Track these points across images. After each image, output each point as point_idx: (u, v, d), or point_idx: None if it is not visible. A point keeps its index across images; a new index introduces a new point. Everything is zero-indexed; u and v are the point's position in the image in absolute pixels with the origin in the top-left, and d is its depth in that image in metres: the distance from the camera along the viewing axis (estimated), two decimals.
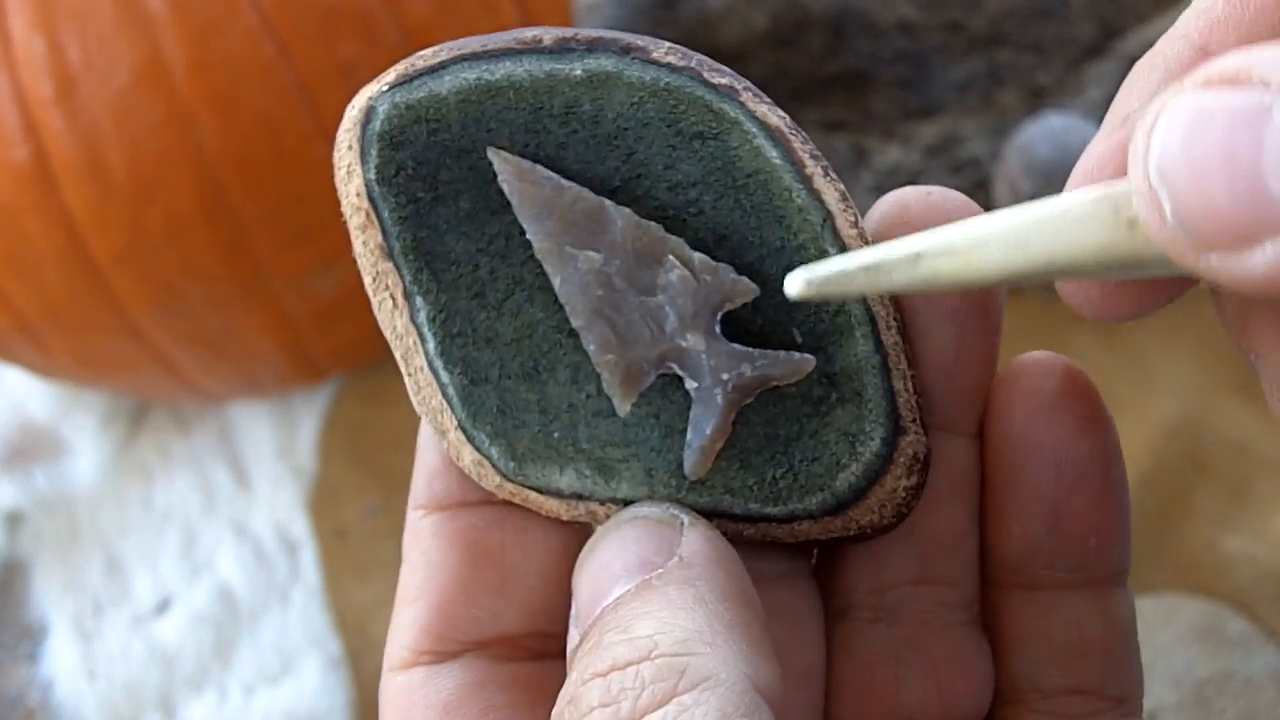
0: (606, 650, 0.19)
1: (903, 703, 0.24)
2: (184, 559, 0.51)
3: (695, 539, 0.21)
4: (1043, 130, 0.50)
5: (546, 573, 0.24)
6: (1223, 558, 0.44)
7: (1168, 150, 0.16)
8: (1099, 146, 0.21)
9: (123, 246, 0.42)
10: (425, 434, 0.24)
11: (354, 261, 0.22)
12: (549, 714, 0.22)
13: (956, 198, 0.24)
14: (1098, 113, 0.52)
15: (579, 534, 0.23)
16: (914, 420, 0.23)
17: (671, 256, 0.22)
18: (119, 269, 0.43)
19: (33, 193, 0.41)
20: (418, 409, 0.23)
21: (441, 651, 0.23)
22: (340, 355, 0.50)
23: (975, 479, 0.25)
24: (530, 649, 0.24)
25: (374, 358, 0.52)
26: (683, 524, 0.22)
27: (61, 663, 0.49)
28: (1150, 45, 0.21)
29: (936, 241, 0.19)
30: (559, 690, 0.23)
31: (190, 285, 0.43)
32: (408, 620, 0.24)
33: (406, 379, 0.23)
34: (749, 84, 0.23)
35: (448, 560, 0.24)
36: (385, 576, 0.49)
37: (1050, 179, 0.48)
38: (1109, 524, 0.25)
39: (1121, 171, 0.20)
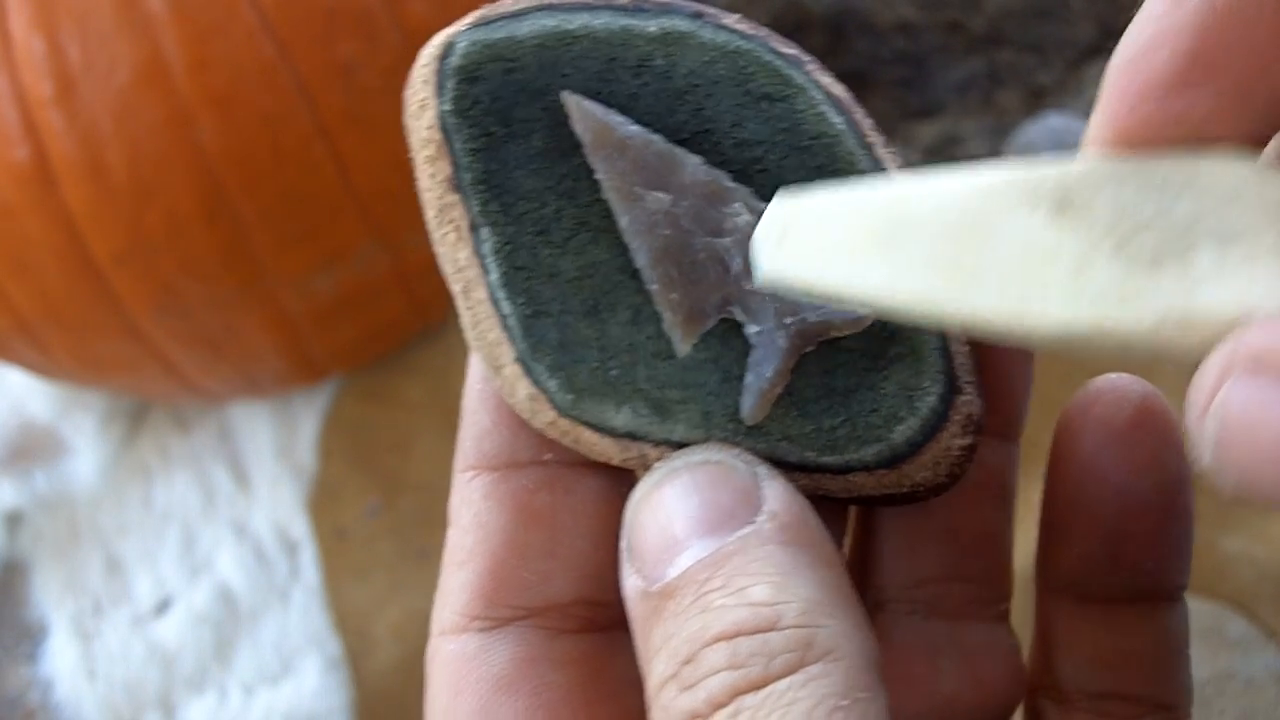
0: (723, 612, 0.19)
1: (941, 690, 0.24)
2: (184, 559, 0.51)
3: (779, 492, 0.21)
4: (1043, 130, 0.50)
5: (596, 536, 0.23)
6: (1223, 558, 0.44)
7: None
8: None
9: (123, 246, 0.42)
10: (471, 397, 0.24)
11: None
12: (602, 694, 0.23)
13: None
14: None
15: (624, 498, 0.22)
16: (969, 382, 0.23)
17: (739, 203, 0.22)
18: (119, 269, 0.43)
19: (33, 193, 0.41)
20: (472, 344, 0.23)
21: (493, 617, 0.23)
22: (340, 355, 0.50)
23: (1009, 482, 0.25)
24: (581, 618, 0.23)
25: (374, 358, 0.52)
26: (757, 474, 0.21)
27: (61, 663, 0.49)
28: None
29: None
30: (612, 665, 0.23)
31: (190, 285, 0.43)
32: (459, 583, 0.23)
33: (464, 313, 0.23)
34: (813, 58, 0.23)
35: (500, 522, 0.23)
36: (385, 576, 0.49)
37: None
38: (1170, 549, 0.25)
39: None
